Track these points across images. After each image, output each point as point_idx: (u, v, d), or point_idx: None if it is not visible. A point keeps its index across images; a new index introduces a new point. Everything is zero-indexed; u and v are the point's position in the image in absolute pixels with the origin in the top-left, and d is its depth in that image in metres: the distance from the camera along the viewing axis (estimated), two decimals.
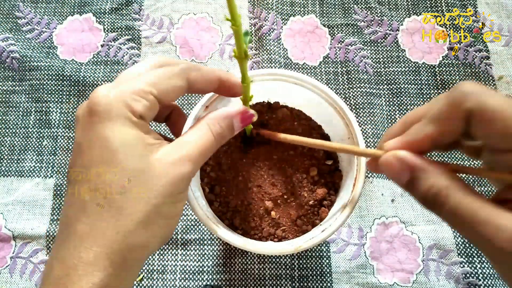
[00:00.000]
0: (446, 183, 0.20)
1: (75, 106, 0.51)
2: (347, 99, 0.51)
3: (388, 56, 0.54)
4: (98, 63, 0.53)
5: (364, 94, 0.51)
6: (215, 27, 0.55)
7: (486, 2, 0.56)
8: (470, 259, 0.44)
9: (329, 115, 0.36)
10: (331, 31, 0.55)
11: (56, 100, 0.51)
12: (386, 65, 0.53)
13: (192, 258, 0.44)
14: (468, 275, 0.43)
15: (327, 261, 0.44)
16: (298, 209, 0.35)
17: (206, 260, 0.44)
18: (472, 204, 0.19)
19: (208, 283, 0.43)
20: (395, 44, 0.54)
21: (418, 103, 0.51)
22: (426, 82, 0.52)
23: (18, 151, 0.49)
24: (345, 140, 0.35)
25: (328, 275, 0.43)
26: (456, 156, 0.48)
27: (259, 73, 0.35)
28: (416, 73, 0.53)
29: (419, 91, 0.52)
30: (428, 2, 0.56)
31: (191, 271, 0.44)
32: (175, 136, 0.31)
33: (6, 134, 0.50)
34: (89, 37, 0.55)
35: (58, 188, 0.47)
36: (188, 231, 0.45)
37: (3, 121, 0.51)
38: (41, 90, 0.52)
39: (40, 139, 0.50)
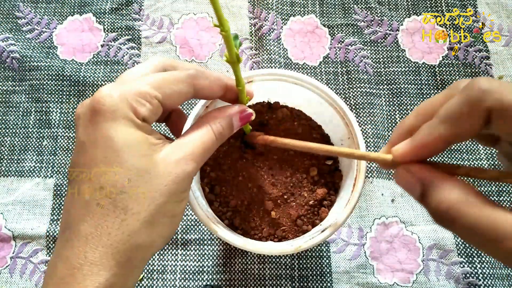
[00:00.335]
0: (456, 197, 0.18)
1: (75, 106, 0.51)
2: (347, 99, 0.51)
3: (388, 56, 0.54)
4: (98, 63, 0.53)
5: (364, 94, 0.51)
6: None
7: (486, 2, 0.56)
8: (470, 259, 0.44)
9: (329, 115, 0.36)
10: (331, 31, 0.55)
11: (56, 100, 0.51)
12: (386, 65, 0.53)
13: (192, 258, 0.44)
14: (468, 275, 0.43)
15: (327, 261, 0.44)
16: (298, 209, 0.35)
17: (206, 260, 0.44)
18: (490, 218, 0.17)
19: (208, 283, 0.43)
20: (395, 44, 0.54)
21: (418, 103, 0.51)
22: (426, 82, 0.52)
23: (18, 151, 0.49)
24: (345, 140, 0.35)
25: (328, 275, 0.43)
26: (456, 156, 0.48)
27: (259, 73, 0.35)
28: (416, 73, 0.53)
29: (419, 91, 0.52)
30: (428, 2, 0.56)
31: (191, 271, 0.44)
32: (175, 136, 0.31)
33: (6, 134, 0.50)
34: (89, 37, 0.55)
35: (58, 188, 0.47)
36: (188, 231, 0.45)
37: (3, 121, 0.51)
38: (41, 90, 0.52)
39: (40, 139, 0.50)
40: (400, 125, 0.23)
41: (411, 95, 0.51)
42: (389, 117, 0.51)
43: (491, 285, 0.43)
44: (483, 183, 0.47)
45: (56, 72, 0.52)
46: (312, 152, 0.29)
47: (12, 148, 0.49)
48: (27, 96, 0.52)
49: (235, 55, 0.24)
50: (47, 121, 0.50)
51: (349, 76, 0.52)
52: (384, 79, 0.52)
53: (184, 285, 0.43)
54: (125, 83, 0.23)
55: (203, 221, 0.30)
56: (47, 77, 0.52)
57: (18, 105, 0.51)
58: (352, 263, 0.44)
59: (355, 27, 0.55)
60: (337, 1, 0.57)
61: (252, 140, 0.32)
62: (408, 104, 0.51)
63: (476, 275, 0.43)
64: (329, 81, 0.52)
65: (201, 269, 0.44)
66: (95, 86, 0.52)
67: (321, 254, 0.44)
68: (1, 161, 0.49)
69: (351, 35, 0.55)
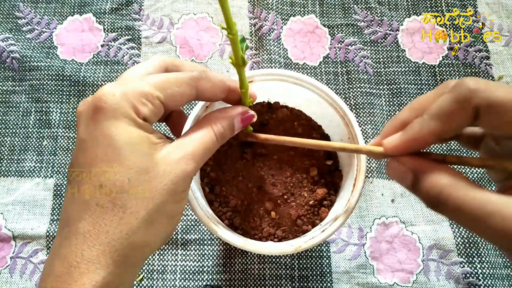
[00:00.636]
0: (446, 182, 0.20)
1: (75, 106, 0.51)
2: (347, 99, 0.51)
3: (388, 56, 0.54)
4: (98, 63, 0.53)
5: (364, 94, 0.51)
6: (215, 27, 0.55)
7: (486, 2, 0.56)
8: (470, 259, 0.44)
9: (329, 115, 0.36)
10: (331, 31, 0.55)
11: (56, 100, 0.51)
12: (386, 65, 0.53)
13: (192, 258, 0.44)
14: (468, 275, 0.43)
15: (327, 261, 0.44)
16: (298, 209, 0.35)
17: (206, 260, 0.44)
18: (476, 199, 0.18)
19: (208, 283, 0.43)
20: (395, 44, 0.54)
21: None
22: (426, 82, 0.52)
23: (18, 151, 0.49)
24: (345, 140, 0.35)
25: (328, 275, 0.43)
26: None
27: (259, 73, 0.35)
28: (416, 73, 0.53)
29: (419, 91, 0.52)
30: (428, 2, 0.56)
31: (191, 271, 0.44)
32: (175, 136, 0.31)
33: (6, 134, 0.50)
34: (89, 37, 0.55)
35: (58, 188, 0.47)
36: (188, 231, 0.45)
37: (3, 121, 0.51)
38: (41, 90, 0.52)
39: (40, 139, 0.50)
40: (393, 119, 0.24)
41: (411, 95, 0.51)
42: (389, 117, 0.51)
43: (491, 285, 0.43)
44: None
45: (56, 72, 0.52)
46: (307, 147, 0.29)
47: (12, 148, 0.49)
48: (27, 96, 0.52)
49: (241, 58, 0.24)
50: (47, 121, 0.50)
51: (349, 76, 0.52)
52: (384, 79, 0.52)
53: (184, 285, 0.43)
54: (127, 82, 0.23)
55: (203, 221, 0.30)
56: (47, 77, 0.52)
57: (18, 105, 0.51)
58: (352, 263, 0.44)
59: (355, 27, 0.55)
60: (337, 1, 0.57)
61: (246, 138, 0.32)
62: (408, 104, 0.51)
63: (476, 275, 0.43)
64: (329, 81, 0.52)
65: (201, 269, 0.44)
66: (95, 86, 0.52)
67: (321, 254, 0.44)
68: (1, 161, 0.49)
69: (351, 35, 0.55)
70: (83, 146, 0.22)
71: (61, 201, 0.47)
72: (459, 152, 0.49)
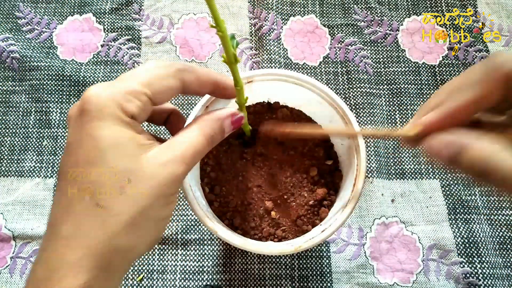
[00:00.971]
0: (493, 149, 0.19)
1: None
2: (347, 99, 0.51)
3: (388, 56, 0.54)
4: (98, 63, 0.53)
5: (364, 94, 0.51)
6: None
7: (486, 2, 0.56)
8: (470, 259, 0.44)
9: (329, 115, 0.36)
10: (331, 31, 0.55)
11: (56, 100, 0.51)
12: (386, 65, 0.53)
13: (192, 258, 0.44)
14: (468, 275, 0.43)
15: (327, 261, 0.44)
16: (298, 209, 0.35)
17: (206, 260, 0.44)
18: None
19: (208, 283, 0.43)
20: (395, 44, 0.54)
21: (418, 103, 0.51)
22: (426, 82, 0.52)
23: (18, 151, 0.49)
24: (345, 140, 0.35)
25: (328, 275, 0.43)
26: None
27: (259, 73, 0.35)
28: (416, 73, 0.53)
29: (419, 91, 0.52)
30: (428, 2, 0.56)
31: (191, 271, 0.44)
32: None
33: (6, 134, 0.50)
34: (89, 37, 0.55)
35: None
36: (188, 231, 0.45)
37: (3, 121, 0.51)
38: (41, 90, 0.52)
39: (40, 139, 0.50)
40: (424, 105, 0.24)
41: (411, 95, 0.51)
42: (389, 117, 0.51)
43: (491, 285, 0.43)
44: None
45: (56, 72, 0.52)
46: (333, 136, 0.29)
47: (12, 148, 0.49)
48: (27, 96, 0.52)
49: (233, 56, 0.24)
50: (47, 121, 0.50)
51: (349, 76, 0.52)
52: (384, 79, 0.52)
53: (184, 285, 0.43)
54: (115, 82, 0.23)
55: (203, 221, 0.30)
56: (47, 77, 0.52)
57: (18, 105, 0.51)
58: (352, 263, 0.44)
59: (355, 27, 0.55)
60: (337, 1, 0.57)
61: (269, 134, 0.31)
62: (408, 104, 0.51)
63: (476, 275, 0.43)
64: (329, 81, 0.52)
65: (201, 269, 0.44)
66: None
67: (321, 254, 0.44)
68: (1, 161, 0.49)
69: (351, 35, 0.55)
70: (69, 149, 0.22)
71: None
72: None
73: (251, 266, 0.44)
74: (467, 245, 0.45)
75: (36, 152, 0.49)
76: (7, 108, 0.51)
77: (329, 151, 0.38)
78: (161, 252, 0.45)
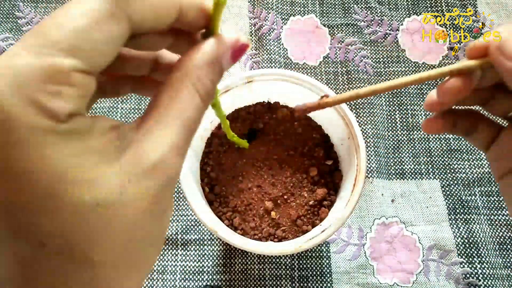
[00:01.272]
0: None
1: None
2: None
3: (388, 56, 0.54)
4: None
5: None
6: None
7: (486, 2, 0.56)
8: (470, 259, 0.44)
9: (329, 115, 0.36)
10: (331, 31, 0.55)
11: None
12: (386, 65, 0.53)
13: (192, 258, 0.44)
14: (468, 275, 0.43)
15: (327, 261, 0.44)
16: (298, 209, 0.35)
17: (206, 260, 0.44)
18: None
19: (208, 283, 0.43)
20: (395, 44, 0.54)
21: (418, 103, 0.51)
22: (426, 82, 0.52)
23: None
24: (345, 140, 0.35)
25: (328, 275, 0.43)
26: (456, 156, 0.48)
27: (259, 73, 0.35)
28: (416, 73, 0.53)
29: (419, 91, 0.52)
30: (428, 2, 0.56)
31: (191, 271, 0.44)
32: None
33: None
34: None
35: None
36: (188, 231, 0.45)
37: None
38: None
39: None
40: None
41: (411, 95, 0.51)
42: (389, 117, 0.51)
43: (491, 285, 0.43)
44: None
45: None
46: (392, 89, 0.24)
47: None
48: None
49: None
50: None
51: (349, 76, 0.52)
52: (384, 79, 0.52)
53: (184, 285, 0.43)
54: (23, 56, 0.13)
55: (203, 221, 0.30)
56: None
57: None
58: (352, 263, 0.44)
59: (355, 27, 0.55)
60: (337, 1, 0.57)
61: (300, 112, 0.25)
62: (408, 104, 0.51)
63: (476, 276, 0.43)
64: (329, 81, 0.52)
65: (201, 269, 0.44)
66: None
67: (321, 254, 0.44)
68: None
69: (351, 35, 0.55)
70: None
71: None
72: (463, 153, 0.49)
73: (251, 266, 0.44)
74: (467, 245, 0.45)
75: None
76: None
77: (329, 151, 0.38)
78: (161, 252, 0.44)
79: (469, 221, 0.45)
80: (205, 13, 0.17)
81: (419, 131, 0.50)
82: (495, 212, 0.46)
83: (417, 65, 0.53)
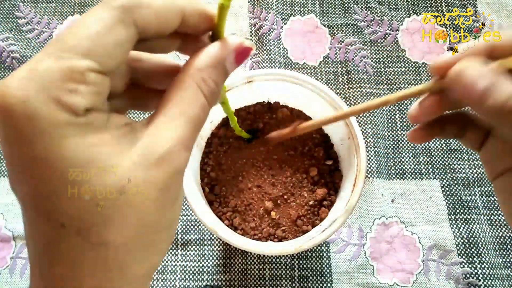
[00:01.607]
0: None
1: None
2: (347, 99, 0.51)
3: (388, 56, 0.54)
4: None
5: (364, 94, 0.51)
6: None
7: (486, 2, 0.56)
8: (470, 259, 0.44)
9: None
10: (331, 31, 0.55)
11: None
12: (386, 65, 0.53)
13: (192, 258, 0.44)
14: (468, 275, 0.43)
15: (327, 261, 0.44)
16: (298, 209, 0.35)
17: (206, 260, 0.44)
18: None
19: (208, 283, 0.43)
20: (395, 44, 0.54)
21: None
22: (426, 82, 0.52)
23: None
24: (345, 140, 0.35)
25: (328, 275, 0.43)
26: (456, 156, 0.48)
27: (259, 73, 0.35)
28: (416, 73, 0.53)
29: None
30: (428, 2, 0.56)
31: (191, 271, 0.44)
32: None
33: None
34: None
35: None
36: (188, 231, 0.45)
37: None
38: None
39: None
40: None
41: None
42: (389, 117, 0.51)
43: (491, 285, 0.43)
44: (488, 183, 0.47)
45: None
46: (346, 118, 0.25)
47: None
48: None
49: None
50: None
51: (349, 76, 0.52)
52: (384, 79, 0.52)
53: (184, 285, 0.43)
54: (44, 61, 0.15)
55: (203, 221, 0.30)
56: None
57: None
58: (352, 263, 0.44)
59: (355, 27, 0.55)
60: (337, 1, 0.57)
61: (278, 140, 0.28)
62: (408, 104, 0.51)
63: (476, 276, 0.43)
64: (329, 81, 0.52)
65: (201, 269, 0.44)
66: None
67: (321, 254, 0.44)
68: (1, 161, 0.49)
69: (351, 35, 0.55)
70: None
71: None
72: (463, 153, 0.49)
73: (251, 266, 0.44)
74: (467, 245, 0.45)
75: None
76: None
77: (329, 151, 0.38)
78: None
79: (469, 221, 0.45)
80: (207, 17, 0.18)
81: None
82: (495, 212, 0.46)
83: (417, 65, 0.53)
